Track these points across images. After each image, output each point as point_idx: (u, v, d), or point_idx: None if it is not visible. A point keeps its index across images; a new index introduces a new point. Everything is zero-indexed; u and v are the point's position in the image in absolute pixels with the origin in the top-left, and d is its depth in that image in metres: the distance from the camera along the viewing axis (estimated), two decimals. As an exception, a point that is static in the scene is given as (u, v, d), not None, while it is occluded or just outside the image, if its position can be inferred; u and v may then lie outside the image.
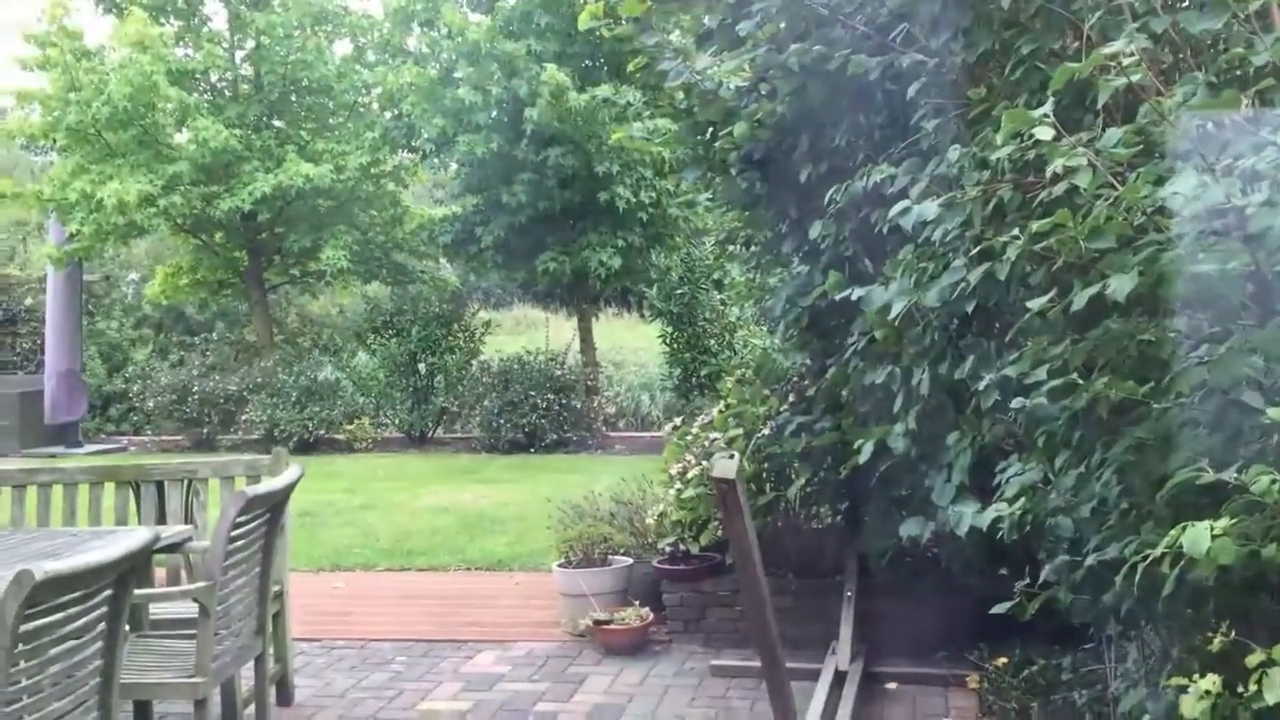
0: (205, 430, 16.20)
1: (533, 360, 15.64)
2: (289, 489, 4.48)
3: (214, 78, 17.69)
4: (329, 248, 16.23)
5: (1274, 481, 2.01)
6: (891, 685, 5.24)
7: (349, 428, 16.04)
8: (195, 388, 16.17)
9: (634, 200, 15.27)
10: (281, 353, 17.86)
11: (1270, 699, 2.16)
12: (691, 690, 5.32)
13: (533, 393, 15.05)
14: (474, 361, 16.55)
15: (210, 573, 3.95)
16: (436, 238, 16.60)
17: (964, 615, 5.32)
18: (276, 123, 17.64)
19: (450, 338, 16.81)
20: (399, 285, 17.96)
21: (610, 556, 6.47)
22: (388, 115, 17.07)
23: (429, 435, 16.70)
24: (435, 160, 17.06)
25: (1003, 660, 4.88)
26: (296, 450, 15.26)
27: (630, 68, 5.89)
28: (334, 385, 16.61)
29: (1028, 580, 3.42)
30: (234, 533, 4.02)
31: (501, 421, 15.06)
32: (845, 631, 5.32)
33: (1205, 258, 2.32)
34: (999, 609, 3.51)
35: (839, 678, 5.01)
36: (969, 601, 5.23)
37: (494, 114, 14.97)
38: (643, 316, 22.24)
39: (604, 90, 14.06)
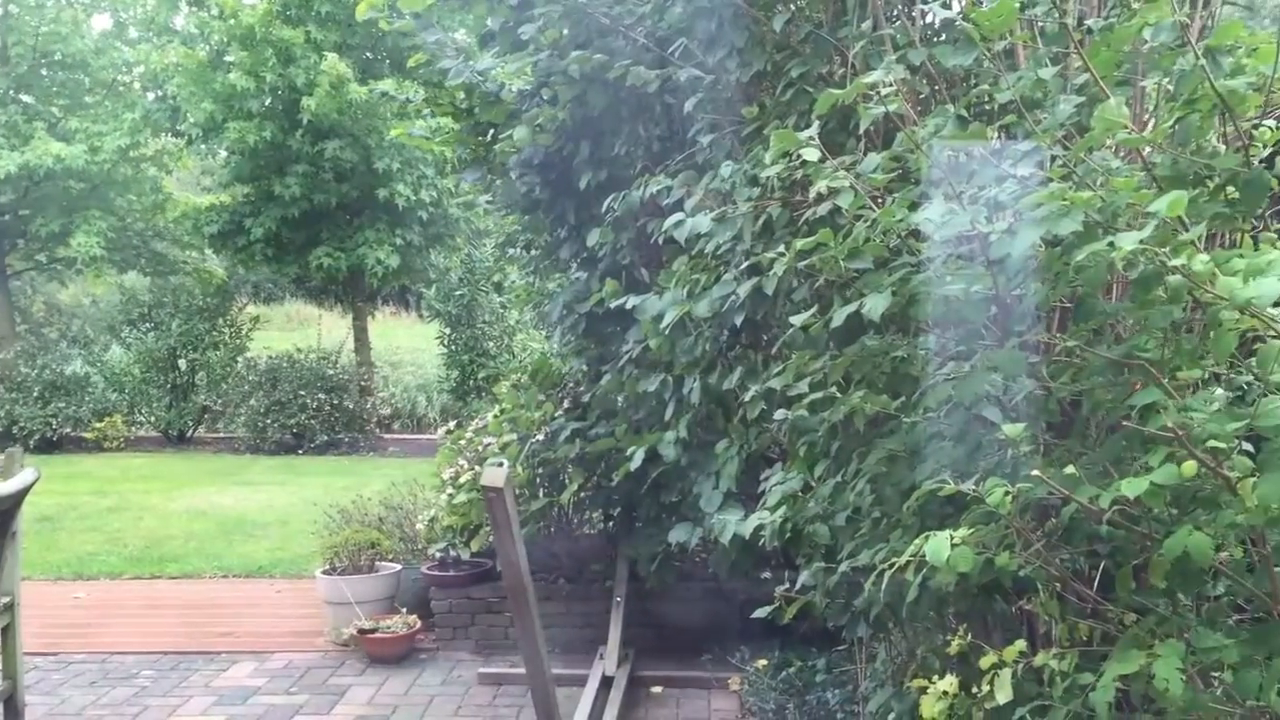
0: (-68, 427, 14.87)
1: (304, 358, 15.11)
2: (21, 494, 4.14)
3: (-47, 44, 16.30)
4: (80, 233, 15.22)
5: (1007, 494, 2.14)
6: (657, 689, 5.32)
7: (99, 426, 15.05)
8: (-78, 380, 14.83)
9: (414, 198, 15.01)
10: (24, 344, 16.57)
11: (1001, 699, 2.30)
12: (458, 699, 5.24)
13: (303, 392, 14.53)
14: (240, 358, 15.85)
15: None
16: (202, 227, 15.80)
17: (728, 619, 5.48)
18: (25, 98, 16.39)
19: (215, 333, 16.03)
20: (159, 276, 17.01)
21: (378, 563, 6.30)
22: (150, 96, 16.15)
23: (188, 435, 15.87)
24: (202, 146, 16.27)
25: (763, 662, 5.04)
26: (38, 449, 14.21)
27: (411, 63, 5.77)
28: (83, 380, 15.55)
29: (787, 585, 3.54)
30: (-44, 541, 3.67)
31: (268, 421, 14.48)
32: (613, 636, 5.37)
33: (952, 280, 2.44)
34: (760, 613, 3.61)
35: (606, 682, 5.04)
36: (733, 606, 5.39)
37: (268, 101, 14.40)
38: (421, 317, 21.89)
39: (386, 84, 13.74)
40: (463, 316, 16.52)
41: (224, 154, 16.10)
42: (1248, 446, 2.03)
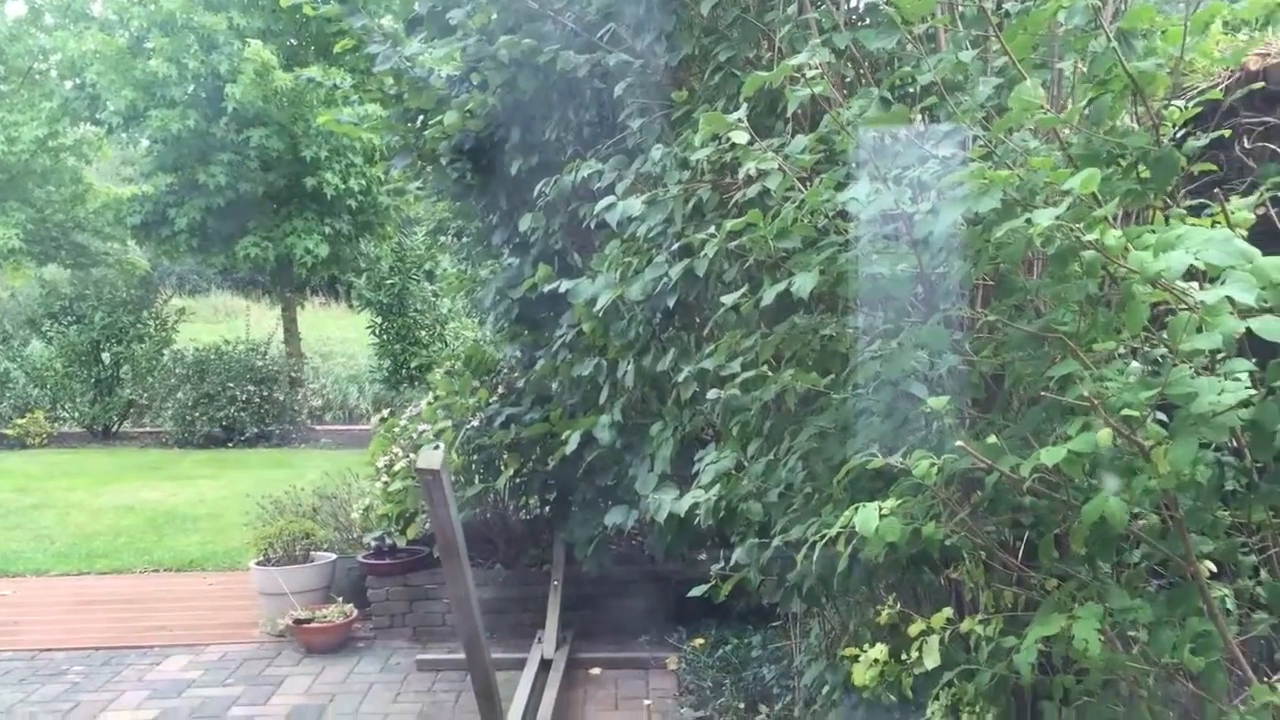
0: None
1: (232, 350, 14.87)
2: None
3: None
4: (-3, 225, 14.83)
5: (932, 465, 2.20)
6: (596, 670, 5.36)
7: (20, 422, 14.69)
8: None
9: (343, 187, 14.84)
10: (-61, 340, 16.13)
11: (929, 664, 2.37)
12: (397, 686, 5.23)
13: (231, 384, 14.32)
14: (166, 351, 15.55)
15: None
16: (124, 218, 15.46)
17: (665, 601, 5.53)
18: (-64, 86, 15.91)
19: (139, 325, 15.71)
20: (80, 268, 16.61)
21: (313, 553, 6.26)
22: (69, 84, 15.74)
23: (114, 430, 15.56)
24: (123, 135, 15.89)
25: (699, 641, 5.11)
26: (-44, 447, 13.85)
27: (337, 48, 5.71)
28: (3, 376, 15.17)
29: (722, 564, 3.59)
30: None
31: (196, 415, 14.24)
32: (551, 620, 5.39)
33: (878, 260, 2.50)
34: (696, 592, 3.66)
35: (545, 665, 5.07)
36: (670, 587, 5.45)
37: (191, 89, 14.13)
38: (351, 307, 21.63)
39: (312, 71, 13.55)
40: (394, 305, 16.38)
41: (146, 143, 15.74)
42: (1161, 416, 2.11)
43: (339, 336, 20.19)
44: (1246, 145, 3.29)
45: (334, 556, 6.29)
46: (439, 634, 5.89)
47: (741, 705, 4.53)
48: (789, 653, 4.57)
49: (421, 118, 5.90)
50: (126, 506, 9.86)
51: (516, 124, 5.08)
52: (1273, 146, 3.24)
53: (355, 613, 5.89)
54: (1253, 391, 1.98)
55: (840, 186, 2.51)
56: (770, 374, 2.90)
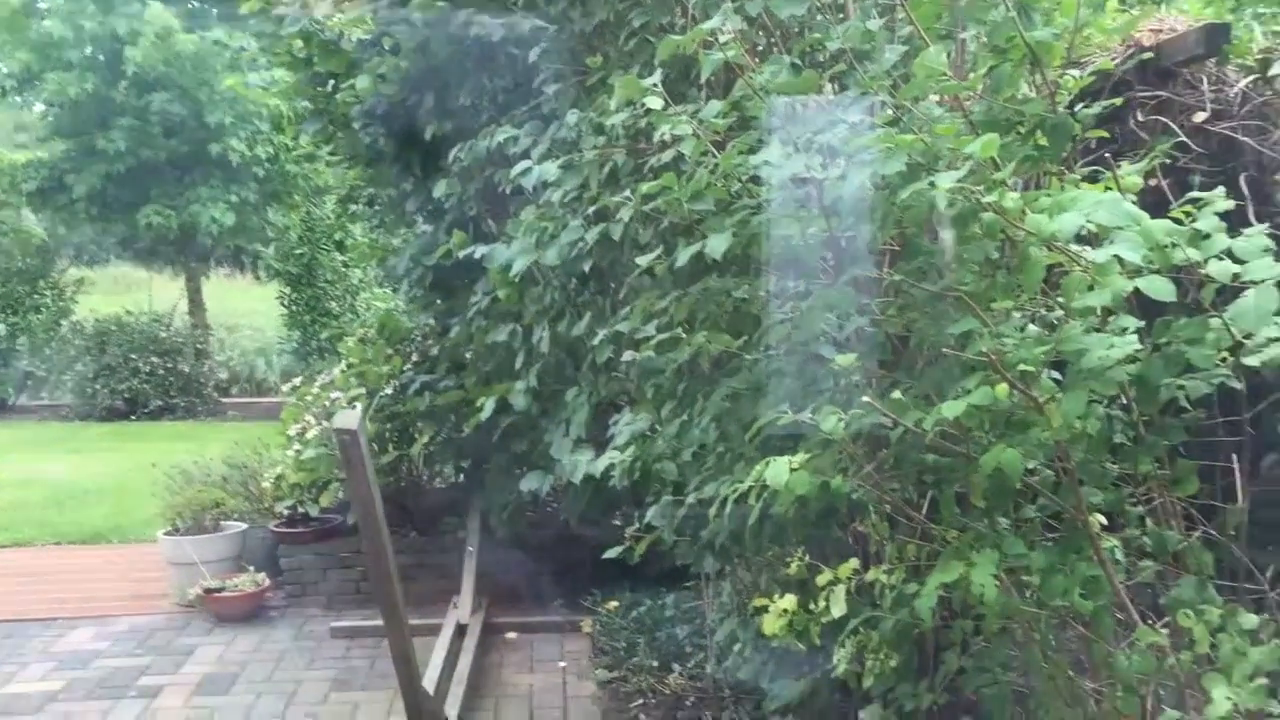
0: None
1: (134, 321, 14.50)
2: None
3: None
4: (-117, 192, 14.25)
5: (840, 421, 2.28)
6: (511, 635, 5.40)
7: (-89, 395, 14.21)
8: None
9: (249, 154, 14.54)
10: None
11: (836, 613, 2.46)
12: (310, 653, 5.22)
13: (134, 356, 13.97)
14: (64, 322, 15.11)
15: None
16: (19, 184, 14.92)
17: (581, 565, 5.59)
18: None
19: (36, 295, 15.24)
20: (-29, 237, 16.03)
21: (223, 522, 6.19)
22: (-43, 45, 15.14)
23: (9, 403, 15.10)
24: (17, 99, 15.34)
25: (614, 604, 5.18)
26: None
27: (244, 8, 5.61)
28: (-109, 347, 14.63)
29: (636, 526, 3.66)
30: None
31: (97, 387, 13.88)
32: (466, 586, 5.42)
33: (789, 223, 2.57)
34: (611, 553, 3.72)
35: (460, 630, 5.10)
36: (585, 552, 5.49)
37: (88, 51, 13.69)
38: (258, 278, 21.21)
39: (216, 34, 13.24)
40: (303, 276, 16.11)
41: (41, 107, 15.23)
42: (1056, 375, 2.22)
43: (246, 309, 19.77)
44: (1140, 119, 3.44)
45: (245, 526, 6.23)
46: (353, 602, 5.87)
47: (655, 664, 4.61)
48: (702, 612, 4.67)
49: (332, 82, 5.83)
50: (26, 480, 9.58)
51: (430, 89, 5.05)
52: (1165, 120, 3.40)
53: (267, 582, 5.84)
54: (1140, 347, 2.09)
55: (753, 151, 2.57)
56: (684, 336, 2.96)
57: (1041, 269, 2.14)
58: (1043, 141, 2.31)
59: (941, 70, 2.18)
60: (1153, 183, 2.97)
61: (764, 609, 2.67)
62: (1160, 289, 2.05)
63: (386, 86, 5.12)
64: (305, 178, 15.49)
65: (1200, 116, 3.40)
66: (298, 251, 16.07)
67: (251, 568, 5.93)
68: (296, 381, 6.63)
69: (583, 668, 4.92)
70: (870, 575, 2.50)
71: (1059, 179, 2.51)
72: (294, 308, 16.21)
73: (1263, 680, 2.24)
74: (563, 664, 4.99)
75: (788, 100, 2.59)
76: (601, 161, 3.34)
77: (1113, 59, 3.31)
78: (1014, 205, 2.06)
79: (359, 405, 4.71)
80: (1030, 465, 2.32)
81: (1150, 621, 2.40)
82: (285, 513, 6.07)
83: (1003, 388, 2.10)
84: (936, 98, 2.54)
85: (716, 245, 2.50)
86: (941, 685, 2.79)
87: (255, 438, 7.07)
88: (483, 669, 4.94)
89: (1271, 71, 3.34)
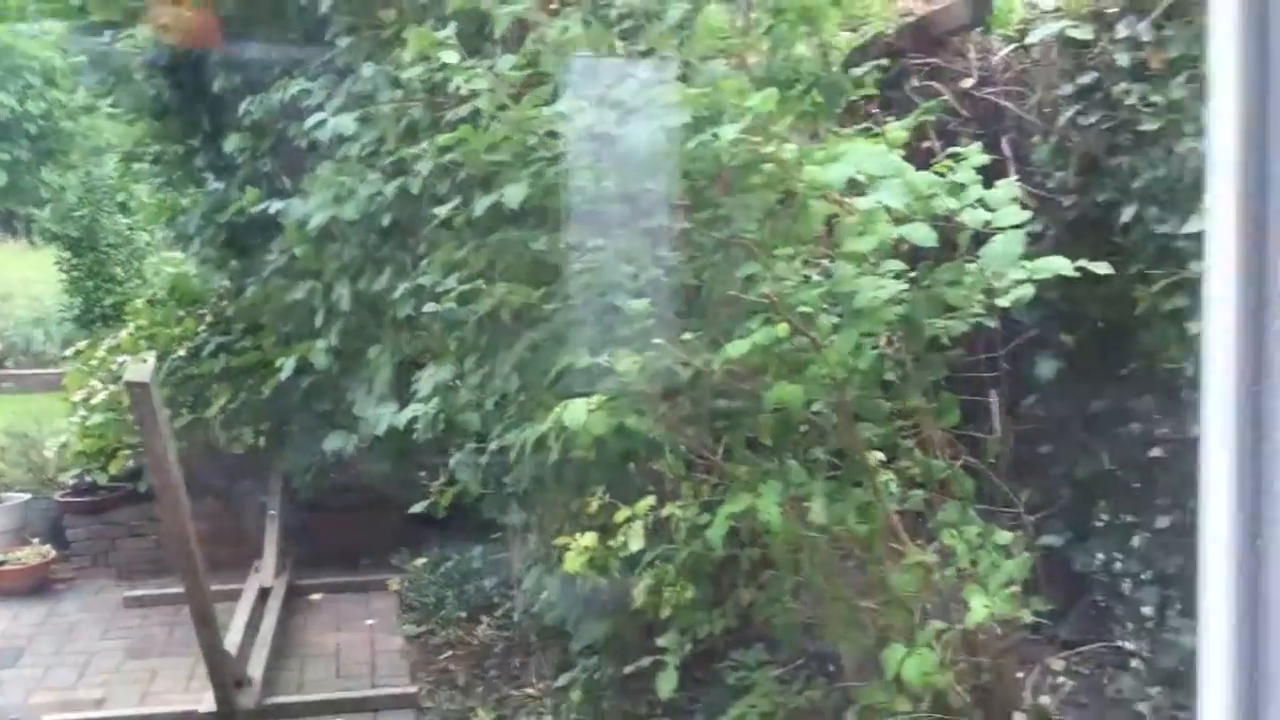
0: None
1: (-110, 288, 13.42)
2: None
3: None
4: None
5: (634, 363, 2.39)
6: (316, 596, 5.35)
7: None
8: None
9: (19, 109, 13.63)
10: None
11: (634, 546, 2.58)
12: (104, 624, 5.04)
13: (-109, 326, 12.95)
14: None
15: None
16: None
17: (387, 525, 5.57)
18: None
19: None
20: None
21: (2, 494, 5.87)
22: None
23: None
24: None
25: (421, 561, 5.20)
26: None
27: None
28: None
29: (441, 480, 3.70)
30: None
31: None
32: (269, 549, 5.34)
33: (584, 175, 2.65)
34: (416, 508, 3.76)
35: (263, 594, 5.02)
36: (391, 511, 5.48)
37: None
38: (32, 243, 19.88)
39: (-23, -21, 12.31)
40: (84, 239, 15.14)
41: None
42: (837, 319, 2.38)
43: (19, 276, 18.50)
44: (915, 84, 3.68)
45: (27, 496, 5.93)
46: (148, 571, 5.68)
47: (463, 615, 4.67)
48: (510, 563, 4.75)
49: (110, 32, 5.54)
50: None
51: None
52: (938, 85, 3.64)
53: (53, 554, 5.59)
54: (906, 289, 2.28)
55: (549, 105, 2.64)
56: (485, 288, 3.00)
57: (819, 217, 2.30)
58: (818, 99, 2.46)
59: (722, 28, 2.30)
60: (926, 145, 3.20)
61: (566, 548, 2.76)
62: (922, 235, 2.24)
63: (169, 36, 4.91)
64: (84, 135, 14.60)
65: (968, 82, 3.66)
66: (77, 213, 15.09)
67: (36, 540, 5.65)
68: (81, 345, 6.32)
69: (391, 625, 4.93)
70: (666, 511, 2.63)
71: (835, 135, 2.68)
72: (74, 273, 15.24)
73: (1015, 588, 2.49)
74: (370, 621, 4.99)
75: (584, 57, 2.66)
76: (398, 115, 3.33)
77: (890, 27, 3.53)
78: (792, 156, 2.20)
79: (151, 358, 4.54)
80: (816, 408, 2.49)
81: (919, 543, 2.63)
82: (71, 482, 5.81)
83: (783, 327, 2.25)
84: (725, 60, 2.67)
85: (513, 195, 2.56)
86: (734, 613, 2.96)
87: (34, 410, 6.72)
88: (287, 630, 4.89)
89: (1028, 39, 3.63)
